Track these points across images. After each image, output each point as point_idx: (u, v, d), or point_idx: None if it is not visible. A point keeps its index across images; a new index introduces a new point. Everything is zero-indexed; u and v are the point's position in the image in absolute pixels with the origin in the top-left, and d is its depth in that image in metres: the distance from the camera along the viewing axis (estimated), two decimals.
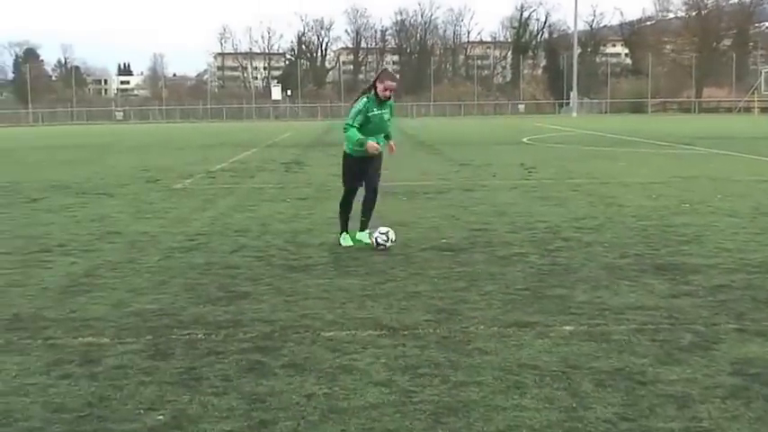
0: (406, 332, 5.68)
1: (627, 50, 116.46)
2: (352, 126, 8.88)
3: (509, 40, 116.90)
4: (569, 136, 35.82)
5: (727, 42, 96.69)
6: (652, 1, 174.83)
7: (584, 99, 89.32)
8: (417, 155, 24.91)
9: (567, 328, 5.73)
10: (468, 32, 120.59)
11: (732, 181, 15.65)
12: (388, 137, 9.33)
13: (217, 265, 8.18)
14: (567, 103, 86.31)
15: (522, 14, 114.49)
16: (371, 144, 8.84)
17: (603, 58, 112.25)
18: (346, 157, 9.22)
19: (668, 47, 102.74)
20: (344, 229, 9.34)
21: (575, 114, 77.49)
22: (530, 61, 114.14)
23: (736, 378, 4.65)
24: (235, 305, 6.53)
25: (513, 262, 8.13)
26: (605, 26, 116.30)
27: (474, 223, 10.66)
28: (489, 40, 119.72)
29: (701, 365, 4.88)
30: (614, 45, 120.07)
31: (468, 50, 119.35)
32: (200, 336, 5.69)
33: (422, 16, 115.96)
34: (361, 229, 9.30)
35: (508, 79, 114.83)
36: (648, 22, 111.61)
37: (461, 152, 25.90)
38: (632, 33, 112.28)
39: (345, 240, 9.22)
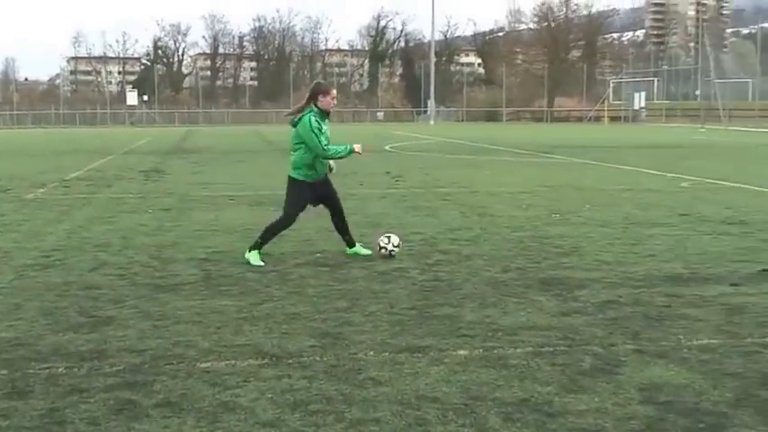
0: (290, 360, 5.22)
1: (480, 60, 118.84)
2: (326, 146, 8.33)
3: (366, 48, 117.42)
4: (430, 144, 35.97)
5: (576, 53, 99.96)
6: (504, 12, 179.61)
7: (440, 107, 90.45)
8: (280, 162, 24.32)
9: (462, 352, 5.40)
10: (327, 40, 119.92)
11: (597, 190, 15.85)
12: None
13: (76, 285, 7.47)
14: (425, 111, 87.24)
15: (378, 23, 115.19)
16: (357, 146, 8.53)
17: (458, 68, 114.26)
18: (297, 183, 8.55)
19: (520, 57, 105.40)
20: (259, 247, 8.61)
21: (432, 122, 78.35)
22: (387, 69, 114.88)
23: (648, 407, 4.40)
24: (98, 332, 5.90)
25: (395, 278, 7.77)
26: (459, 36, 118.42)
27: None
28: (347, 48, 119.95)
29: (608, 393, 4.62)
30: (467, 55, 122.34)
31: (326, 58, 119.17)
32: (61, 370, 5.06)
33: (280, 23, 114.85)
34: (352, 245, 9.09)
35: (366, 87, 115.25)
36: (501, 33, 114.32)
37: None
38: (485, 44, 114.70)
39: (256, 259, 8.46)
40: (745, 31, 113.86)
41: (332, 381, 4.84)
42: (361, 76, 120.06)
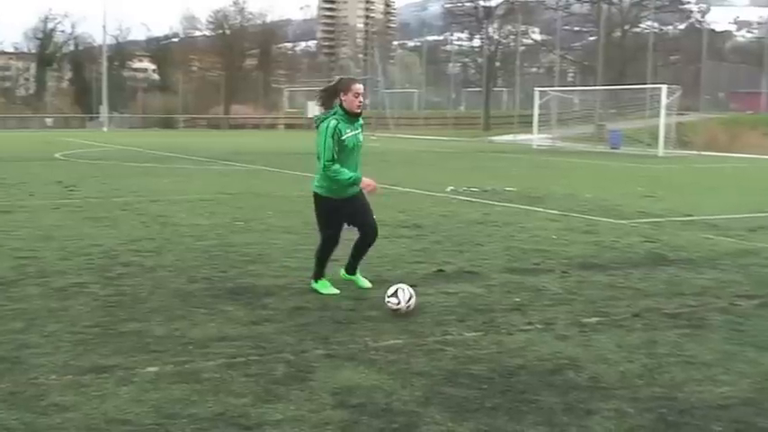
0: None
1: (155, 66, 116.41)
2: (333, 161, 6.95)
3: (33, 51, 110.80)
4: (106, 151, 34.60)
5: (252, 62, 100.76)
6: (178, 18, 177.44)
7: (114, 114, 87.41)
8: None
9: (152, 369, 5.18)
10: None
11: (279, 197, 16.04)
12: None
13: None
14: (98, 117, 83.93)
15: (46, 25, 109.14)
16: (368, 181, 7.09)
17: (132, 73, 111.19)
18: (321, 199, 7.29)
19: (196, 64, 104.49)
20: (320, 276, 7.56)
21: (105, 129, 75.53)
22: (56, 74, 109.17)
23: (342, 411, 4.47)
24: None
25: (74, 294, 7.32)
26: (132, 41, 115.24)
27: (20, 250, 9.53)
28: (12, 50, 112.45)
29: (303, 400, 4.64)
30: (141, 60, 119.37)
31: None
32: None
33: None
34: (350, 272, 7.67)
35: (33, 92, 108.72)
36: (175, 39, 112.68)
37: None
38: (159, 49, 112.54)
39: (327, 288, 7.45)
40: (411, 44, 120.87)
41: (12, 410, 4.44)
42: (27, 80, 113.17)
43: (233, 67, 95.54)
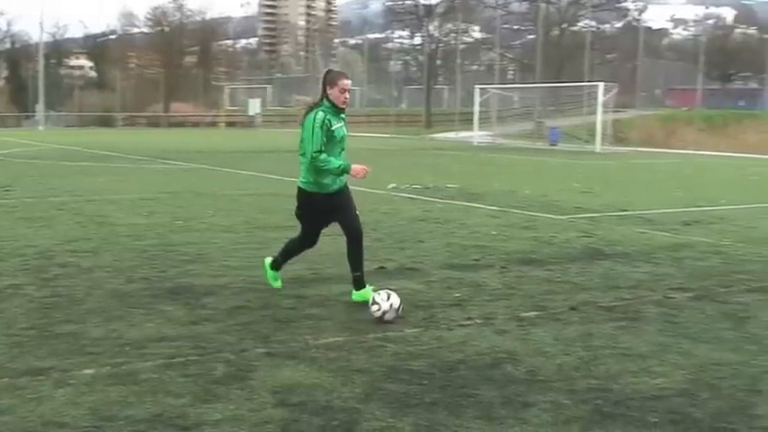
0: None
1: (92, 64, 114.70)
2: (321, 152, 6.74)
3: None
4: (41, 151, 33.98)
5: (192, 59, 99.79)
6: (116, 15, 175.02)
7: (50, 112, 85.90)
8: None
9: (88, 370, 5.12)
10: None
11: (219, 195, 15.92)
12: None
13: None
14: (34, 116, 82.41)
15: None
16: (358, 168, 6.84)
17: (69, 71, 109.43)
18: (307, 196, 7.03)
19: (134, 61, 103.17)
20: (280, 266, 7.53)
21: (41, 128, 74.20)
22: None
23: (282, 410, 4.47)
24: None
25: (9, 296, 7.19)
26: (70, 38, 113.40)
27: None
28: None
29: (243, 399, 4.63)
30: (78, 58, 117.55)
31: None
32: None
33: None
34: (359, 288, 7.15)
35: None
36: (113, 36, 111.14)
37: None
38: (96, 47, 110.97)
39: (275, 281, 7.54)
40: (352, 41, 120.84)
41: None
42: None
43: (172, 64, 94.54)
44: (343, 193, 7.11)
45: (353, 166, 6.84)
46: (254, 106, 77.00)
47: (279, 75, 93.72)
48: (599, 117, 38.66)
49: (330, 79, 6.83)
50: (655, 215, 13.69)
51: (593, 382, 5.07)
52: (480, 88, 46.29)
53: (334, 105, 6.83)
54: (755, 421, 4.51)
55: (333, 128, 6.79)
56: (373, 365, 5.28)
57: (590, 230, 11.70)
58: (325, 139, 6.77)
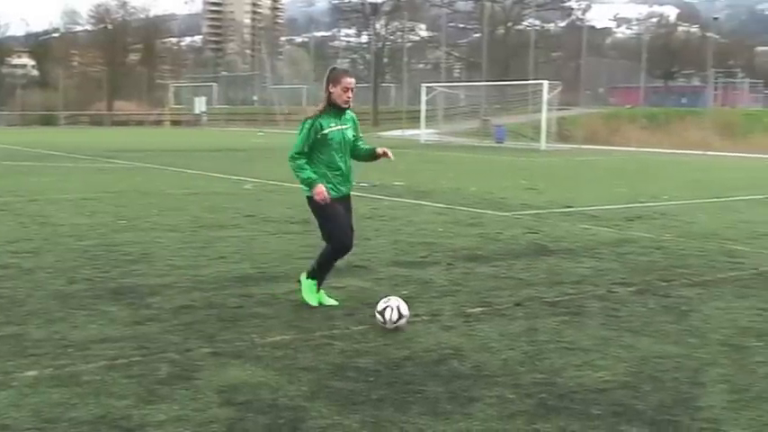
0: None
1: (34, 62, 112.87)
2: (298, 156, 6.47)
3: None
4: None
5: (135, 57, 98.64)
6: (59, 13, 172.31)
7: None
8: None
9: (31, 372, 5.03)
10: None
11: (164, 194, 15.75)
12: (371, 155, 6.88)
13: None
14: None
15: None
16: (320, 190, 6.41)
17: (10, 69, 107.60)
18: (307, 199, 6.66)
19: (77, 59, 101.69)
20: (317, 281, 6.86)
21: None
22: None
23: (228, 409, 4.44)
24: None
25: None
26: (11, 36, 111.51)
27: None
28: None
29: (187, 399, 4.59)
30: (20, 56, 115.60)
31: None
32: None
33: None
34: (311, 278, 6.83)
35: None
36: (56, 34, 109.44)
37: None
38: (39, 45, 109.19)
39: (310, 295, 6.86)
40: (299, 39, 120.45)
41: None
42: None
43: (115, 62, 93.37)
44: (342, 204, 6.72)
45: (318, 187, 6.47)
46: (200, 105, 76.35)
47: (225, 73, 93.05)
48: (544, 115, 39.06)
49: (333, 77, 6.54)
50: (598, 211, 13.87)
51: (538, 376, 5.12)
52: (427, 86, 46.47)
53: (335, 105, 6.57)
54: (697, 413, 4.58)
55: (325, 131, 6.50)
56: (320, 363, 5.27)
57: (535, 227, 11.81)
58: (310, 143, 6.51)
